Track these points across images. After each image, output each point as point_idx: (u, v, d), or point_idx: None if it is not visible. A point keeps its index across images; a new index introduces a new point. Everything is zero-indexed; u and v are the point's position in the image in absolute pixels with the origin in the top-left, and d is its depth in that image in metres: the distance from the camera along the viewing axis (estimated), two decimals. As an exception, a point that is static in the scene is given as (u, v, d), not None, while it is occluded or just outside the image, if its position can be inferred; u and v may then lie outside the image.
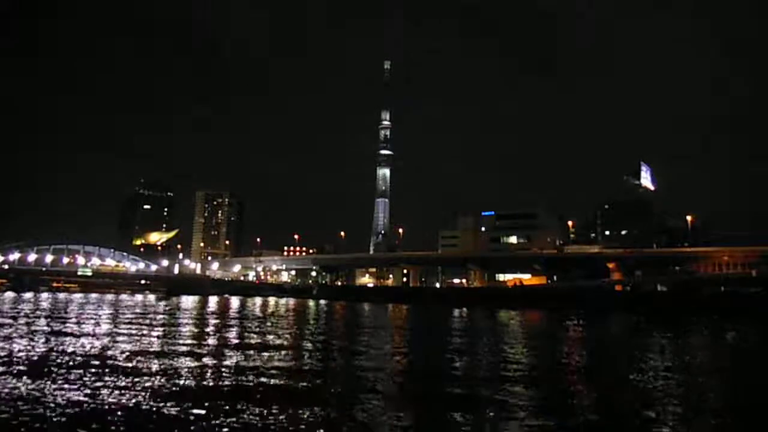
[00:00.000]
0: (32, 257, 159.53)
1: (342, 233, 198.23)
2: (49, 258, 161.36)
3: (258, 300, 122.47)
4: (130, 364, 25.18)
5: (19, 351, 28.80)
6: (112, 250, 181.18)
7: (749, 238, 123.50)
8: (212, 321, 58.09)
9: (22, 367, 23.66)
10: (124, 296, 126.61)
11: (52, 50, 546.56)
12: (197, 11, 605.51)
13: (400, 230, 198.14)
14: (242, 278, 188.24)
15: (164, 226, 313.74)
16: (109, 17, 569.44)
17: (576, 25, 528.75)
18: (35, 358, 26.69)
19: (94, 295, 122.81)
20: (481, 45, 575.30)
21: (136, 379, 21.64)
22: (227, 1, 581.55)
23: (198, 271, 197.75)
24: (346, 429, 15.84)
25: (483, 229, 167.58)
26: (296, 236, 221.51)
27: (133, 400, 18.03)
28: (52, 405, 17.02)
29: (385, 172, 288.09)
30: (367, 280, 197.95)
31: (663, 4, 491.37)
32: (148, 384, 20.82)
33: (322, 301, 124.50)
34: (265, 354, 30.59)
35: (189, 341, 36.50)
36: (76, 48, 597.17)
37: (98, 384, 20.46)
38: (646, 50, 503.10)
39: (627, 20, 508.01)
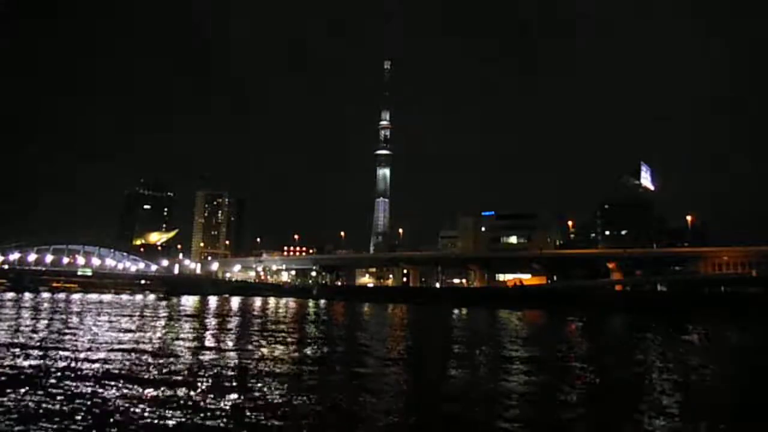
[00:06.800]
0: (32, 257, 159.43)
1: (342, 233, 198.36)
2: (49, 258, 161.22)
3: (258, 300, 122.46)
4: (126, 367, 25.19)
5: (19, 353, 28.80)
6: (112, 250, 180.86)
7: (749, 237, 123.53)
8: (211, 323, 58.08)
9: (21, 370, 23.67)
10: (124, 296, 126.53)
11: (52, 50, 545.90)
12: (197, 11, 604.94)
13: (400, 230, 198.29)
14: (242, 278, 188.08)
15: (164, 226, 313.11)
16: (109, 17, 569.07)
17: (576, 25, 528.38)
18: (34, 361, 26.67)
19: (93, 296, 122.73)
20: (481, 45, 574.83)
21: (134, 381, 21.66)
22: (227, 2, 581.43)
23: (198, 271, 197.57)
24: None
25: (483, 229, 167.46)
26: (296, 236, 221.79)
27: (131, 402, 18.04)
28: (51, 407, 17.04)
29: (385, 172, 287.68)
30: (367, 280, 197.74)
31: (663, 4, 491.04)
32: (145, 387, 20.83)
33: (322, 301, 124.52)
34: (263, 357, 30.58)
35: (187, 343, 36.51)
36: (76, 48, 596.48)
37: (97, 389, 20.47)
38: (646, 50, 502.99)
39: (627, 20, 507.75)
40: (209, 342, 38.06)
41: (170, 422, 15.98)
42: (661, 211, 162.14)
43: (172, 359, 27.86)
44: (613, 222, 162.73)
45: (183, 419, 16.33)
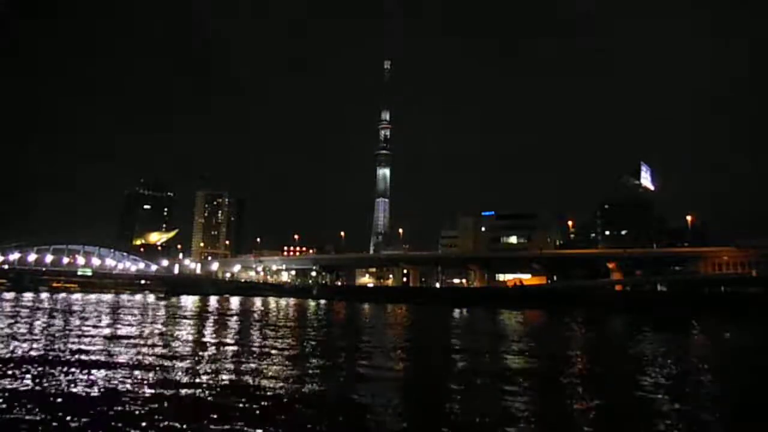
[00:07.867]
0: (32, 257, 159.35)
1: (342, 233, 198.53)
2: (49, 258, 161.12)
3: (258, 300, 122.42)
4: (125, 365, 25.17)
5: (19, 352, 28.79)
6: (112, 250, 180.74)
7: (749, 237, 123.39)
8: (211, 322, 58.06)
9: (23, 369, 23.67)
10: (123, 296, 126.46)
11: (52, 50, 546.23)
12: (197, 11, 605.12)
13: (400, 230, 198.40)
14: (242, 278, 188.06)
15: (164, 226, 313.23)
16: (109, 17, 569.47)
17: (576, 25, 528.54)
18: (34, 360, 26.66)
19: (93, 296, 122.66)
20: (481, 45, 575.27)
21: (133, 379, 21.65)
22: (227, 2, 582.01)
23: (198, 271, 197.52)
24: None
25: (483, 229, 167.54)
26: (296, 236, 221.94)
27: (129, 401, 18.03)
28: (52, 407, 17.04)
29: (385, 172, 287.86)
30: (367, 280, 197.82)
31: (663, 4, 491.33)
32: (144, 384, 20.82)
33: (322, 301, 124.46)
34: (263, 354, 30.56)
35: (187, 344, 36.49)
36: (76, 48, 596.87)
37: (96, 387, 20.46)
38: (646, 50, 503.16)
39: (627, 20, 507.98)
40: (209, 340, 37.99)
41: (170, 419, 15.97)
42: (661, 211, 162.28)
43: (171, 356, 27.83)
44: (613, 222, 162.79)
45: (183, 416, 16.31)
